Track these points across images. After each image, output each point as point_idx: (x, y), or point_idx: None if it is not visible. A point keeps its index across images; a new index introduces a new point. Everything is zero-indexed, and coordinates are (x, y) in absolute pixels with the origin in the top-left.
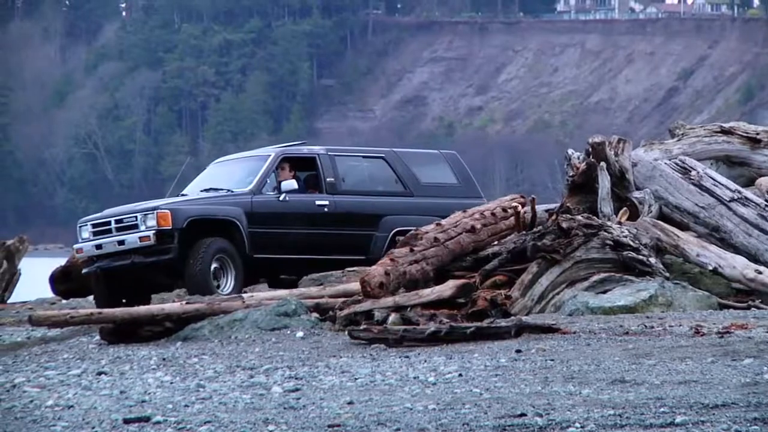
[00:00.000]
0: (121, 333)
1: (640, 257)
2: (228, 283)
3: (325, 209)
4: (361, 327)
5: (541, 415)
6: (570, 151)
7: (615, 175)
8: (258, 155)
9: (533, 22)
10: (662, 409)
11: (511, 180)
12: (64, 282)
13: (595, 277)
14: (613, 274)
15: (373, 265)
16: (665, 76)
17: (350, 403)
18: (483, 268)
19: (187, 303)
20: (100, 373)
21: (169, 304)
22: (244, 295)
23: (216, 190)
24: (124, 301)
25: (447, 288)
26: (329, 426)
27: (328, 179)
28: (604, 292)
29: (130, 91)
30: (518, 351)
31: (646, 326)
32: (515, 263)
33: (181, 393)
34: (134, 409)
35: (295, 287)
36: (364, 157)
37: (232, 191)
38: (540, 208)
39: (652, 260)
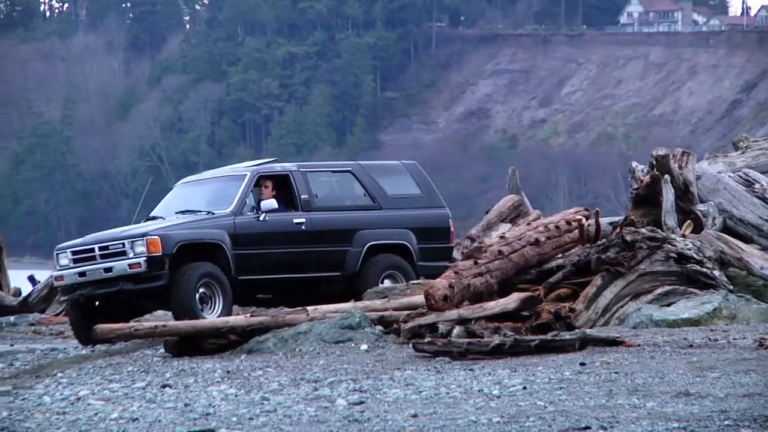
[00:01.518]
0: (186, 346)
1: (704, 270)
2: (217, 307)
3: (303, 227)
4: (426, 340)
5: (605, 428)
6: (634, 163)
7: (679, 187)
8: (232, 175)
9: (596, 35)
10: (726, 422)
11: (575, 193)
12: None
13: (659, 290)
14: (677, 286)
15: (348, 280)
16: (728, 88)
17: (414, 416)
18: (547, 281)
19: (251, 316)
20: (164, 386)
21: (233, 316)
22: (308, 307)
23: (194, 212)
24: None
25: (511, 301)
26: None
27: (302, 196)
28: (668, 304)
29: (194, 104)
30: (582, 364)
31: (710, 339)
32: (579, 276)
33: (246, 406)
34: (198, 421)
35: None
36: (332, 171)
37: (213, 213)
38: (604, 221)
39: (716, 273)
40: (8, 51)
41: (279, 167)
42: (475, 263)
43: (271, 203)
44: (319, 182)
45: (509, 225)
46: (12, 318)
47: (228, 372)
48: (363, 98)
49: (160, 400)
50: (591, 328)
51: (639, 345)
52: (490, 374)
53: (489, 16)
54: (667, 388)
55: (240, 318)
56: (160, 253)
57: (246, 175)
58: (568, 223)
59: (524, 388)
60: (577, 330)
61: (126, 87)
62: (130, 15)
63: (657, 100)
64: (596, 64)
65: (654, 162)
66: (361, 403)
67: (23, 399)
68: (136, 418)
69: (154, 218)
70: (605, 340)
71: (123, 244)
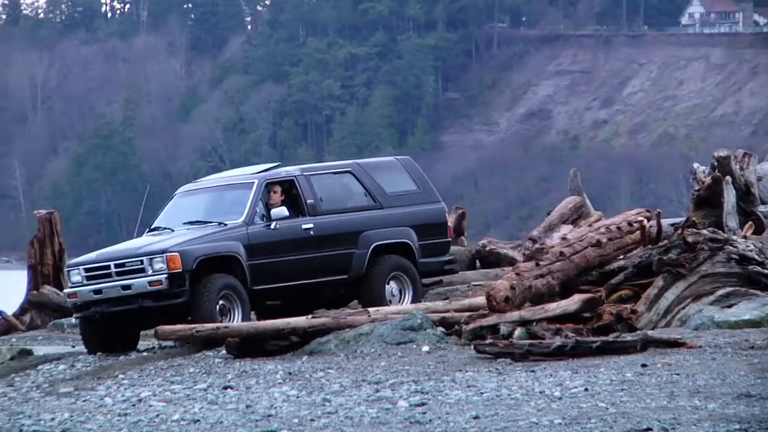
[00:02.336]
0: (247, 347)
1: (766, 271)
2: (235, 319)
3: (311, 232)
4: (487, 341)
5: (666, 430)
6: (695, 165)
7: (740, 189)
8: (239, 183)
9: (658, 36)
10: None
11: (636, 194)
12: None
13: (721, 292)
14: (738, 288)
15: (354, 282)
16: None
17: (476, 417)
18: (608, 282)
19: (313, 317)
20: (226, 388)
21: (294, 318)
22: (370, 309)
23: (204, 223)
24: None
25: (572, 302)
26: None
27: (308, 201)
28: (730, 306)
29: (256, 105)
30: (644, 365)
31: None
32: (641, 277)
33: (307, 407)
34: (260, 423)
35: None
36: (333, 173)
37: (225, 224)
38: (665, 222)
39: None
40: (70, 52)
41: (284, 172)
42: (537, 264)
43: (281, 211)
44: (322, 185)
45: (571, 226)
46: (73, 319)
47: (290, 373)
48: (424, 99)
49: (221, 401)
50: (652, 329)
51: (700, 346)
52: (551, 376)
53: (550, 16)
54: (728, 390)
55: (301, 319)
56: (180, 270)
57: (254, 182)
58: (630, 224)
59: (586, 389)
60: (638, 331)
61: (187, 88)
62: (192, 16)
63: (718, 101)
64: (657, 64)
65: (715, 163)
66: (423, 404)
67: (85, 400)
68: (198, 420)
69: (157, 229)
70: (666, 342)
71: (141, 261)
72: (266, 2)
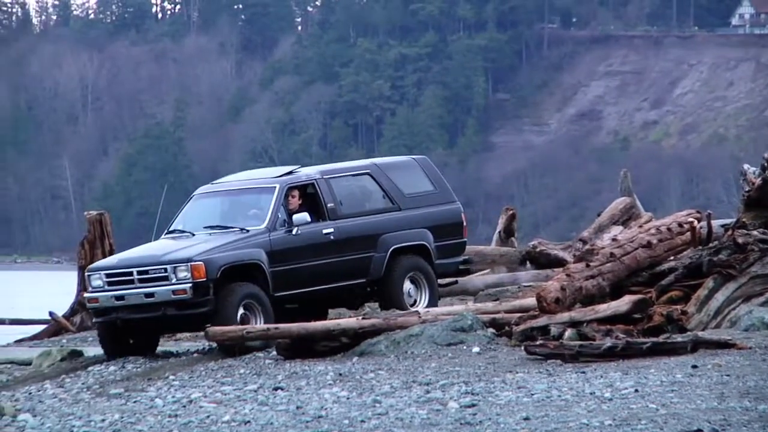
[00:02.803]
0: (298, 348)
1: None
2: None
3: (331, 237)
4: (537, 342)
5: (716, 431)
6: (746, 166)
7: None
8: (261, 186)
9: (708, 36)
10: None
11: (686, 194)
12: None
13: None
14: None
15: (372, 286)
16: None
17: (526, 419)
18: (659, 283)
19: (363, 318)
20: (276, 389)
21: (345, 319)
22: (420, 309)
23: (226, 228)
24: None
25: (623, 303)
26: None
27: (328, 205)
28: None
29: (306, 105)
30: (694, 366)
31: None
32: (691, 278)
33: (358, 408)
34: (311, 424)
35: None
36: (353, 175)
37: (247, 229)
38: (716, 223)
39: None
40: (120, 53)
41: (304, 176)
42: (587, 266)
43: (304, 217)
44: (342, 188)
45: (621, 227)
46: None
47: (340, 374)
48: (474, 100)
49: (272, 402)
50: (702, 330)
51: (751, 347)
52: (601, 377)
53: (601, 17)
54: None
55: (352, 320)
56: (205, 279)
57: (276, 187)
58: (680, 225)
59: (636, 390)
60: (688, 332)
61: (238, 88)
62: (242, 17)
63: None
64: (707, 65)
65: (765, 164)
66: (473, 405)
67: (135, 401)
68: (248, 421)
69: (174, 232)
70: (717, 343)
71: (165, 269)
72: (317, 3)
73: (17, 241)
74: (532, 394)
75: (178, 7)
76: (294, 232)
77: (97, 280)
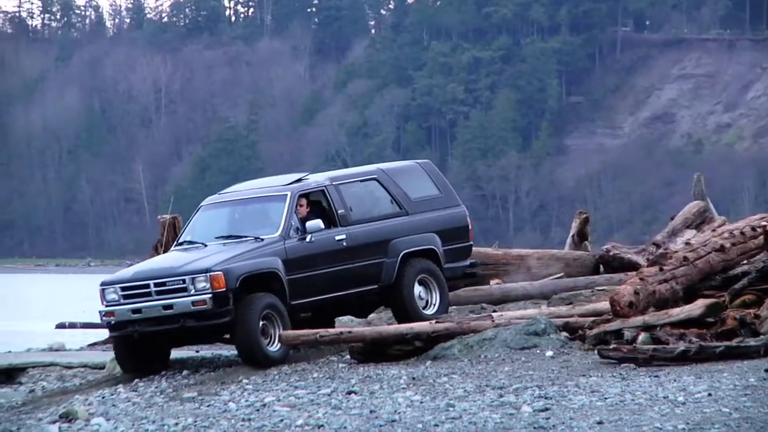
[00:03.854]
0: (371, 352)
1: None
2: (275, 339)
3: (344, 243)
4: (611, 346)
5: None
6: None
7: None
8: (271, 195)
9: None
10: None
11: (760, 198)
12: None
13: None
14: None
15: (384, 292)
16: None
17: (600, 422)
18: (732, 287)
19: (436, 322)
20: (350, 393)
21: (418, 323)
22: (493, 314)
23: (239, 237)
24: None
25: (696, 307)
26: None
27: (339, 211)
28: None
29: (379, 109)
30: (767, 370)
31: None
32: (764, 282)
33: (431, 412)
34: (384, 428)
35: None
36: (360, 181)
37: (261, 238)
38: None
39: None
40: (194, 56)
41: (314, 183)
42: (661, 270)
43: (317, 224)
44: (351, 194)
45: (694, 231)
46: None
47: (413, 378)
48: (548, 103)
49: (345, 406)
50: None
51: None
52: (675, 381)
53: (674, 20)
54: None
55: (425, 324)
56: (224, 289)
57: (287, 194)
58: (753, 229)
59: (709, 394)
60: (762, 336)
61: (311, 92)
62: (316, 20)
63: None
64: None
65: None
66: (547, 410)
67: (209, 405)
68: (322, 425)
69: (187, 243)
70: None
71: (183, 280)
72: (390, 6)
73: (91, 244)
74: (606, 398)
75: (251, 10)
76: (308, 240)
77: (111, 294)
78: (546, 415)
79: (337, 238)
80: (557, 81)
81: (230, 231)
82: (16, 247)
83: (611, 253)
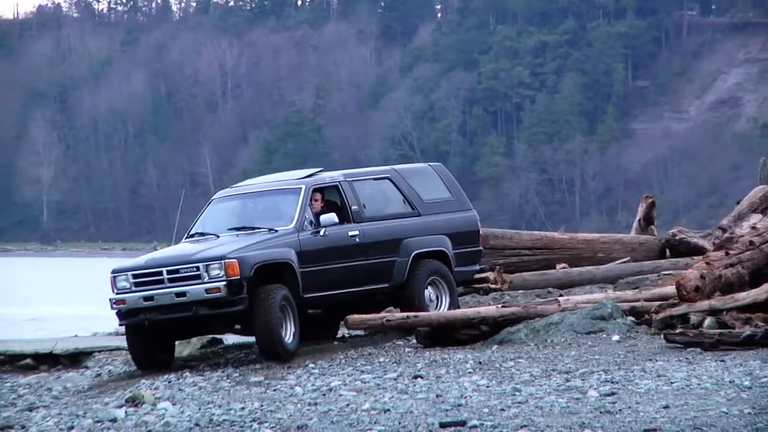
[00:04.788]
0: (437, 336)
1: None
2: (290, 331)
3: (357, 239)
4: (677, 330)
5: None
6: None
7: None
8: (285, 188)
9: None
10: None
11: None
12: None
13: None
14: None
15: (394, 291)
16: None
17: (666, 407)
18: None
19: (503, 306)
20: (416, 377)
21: (485, 307)
22: (560, 298)
23: (253, 229)
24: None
25: (762, 291)
26: (645, 430)
27: (353, 207)
28: None
29: (445, 93)
30: None
31: None
32: None
33: (497, 397)
34: (450, 413)
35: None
36: (374, 179)
37: (275, 230)
38: None
39: None
40: (260, 40)
41: (328, 178)
42: (727, 254)
43: (331, 217)
44: (364, 191)
45: (760, 215)
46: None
47: (479, 363)
48: (614, 87)
49: (411, 391)
50: None
51: None
52: (741, 365)
53: (740, 4)
54: None
55: (492, 309)
56: (239, 277)
57: (302, 187)
58: None
59: None
60: None
61: (377, 75)
62: (382, 4)
63: None
64: None
65: None
66: (613, 394)
67: (275, 390)
68: (388, 409)
69: (198, 235)
70: None
71: (197, 267)
72: None
73: (157, 227)
74: (672, 383)
75: None
76: (321, 233)
77: (123, 282)
78: (612, 400)
79: (351, 233)
80: (623, 65)
81: (243, 223)
82: (82, 231)
83: (677, 238)
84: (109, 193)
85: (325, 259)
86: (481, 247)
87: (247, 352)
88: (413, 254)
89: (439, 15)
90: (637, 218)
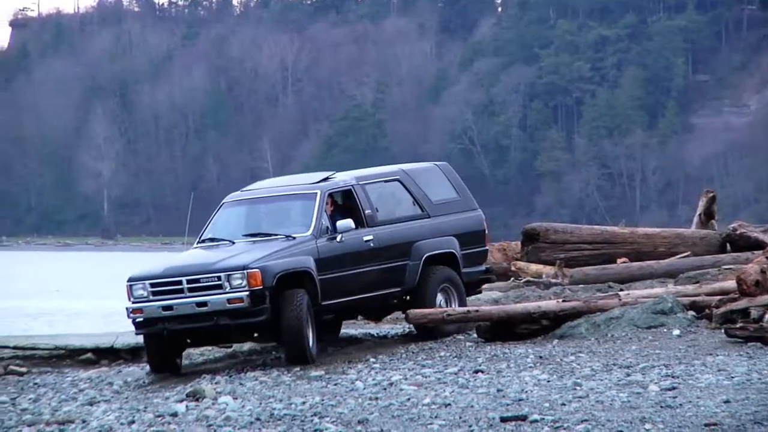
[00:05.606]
0: (498, 330)
1: None
2: (311, 337)
3: (371, 244)
4: (738, 325)
5: None
6: None
7: None
8: (300, 193)
9: None
10: None
11: None
12: None
13: None
14: None
15: (406, 294)
16: None
17: (726, 401)
18: None
19: (564, 301)
20: (477, 371)
21: (545, 301)
22: (620, 292)
23: (267, 235)
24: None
25: None
26: (705, 425)
27: (366, 211)
28: None
29: (506, 87)
30: None
31: None
32: None
33: (558, 391)
34: (511, 407)
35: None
36: (384, 181)
37: (293, 236)
38: None
39: None
40: (321, 34)
41: (341, 182)
42: None
43: (348, 223)
44: (376, 194)
45: None
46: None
47: (540, 357)
48: (674, 81)
49: (472, 385)
50: None
51: None
52: None
53: None
54: None
55: (552, 303)
56: (261, 287)
57: (317, 192)
58: None
59: None
60: None
61: (437, 70)
62: None
63: None
64: None
65: None
66: (674, 388)
67: (336, 384)
68: (449, 404)
69: (207, 241)
70: None
71: (218, 277)
72: None
73: None
74: (733, 377)
75: None
76: (338, 239)
77: (140, 290)
78: (673, 394)
79: (365, 238)
80: (683, 59)
81: (257, 229)
82: (143, 225)
83: (738, 232)
84: (169, 187)
85: (342, 266)
86: (487, 248)
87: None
88: (424, 258)
89: (499, 9)
90: (698, 213)
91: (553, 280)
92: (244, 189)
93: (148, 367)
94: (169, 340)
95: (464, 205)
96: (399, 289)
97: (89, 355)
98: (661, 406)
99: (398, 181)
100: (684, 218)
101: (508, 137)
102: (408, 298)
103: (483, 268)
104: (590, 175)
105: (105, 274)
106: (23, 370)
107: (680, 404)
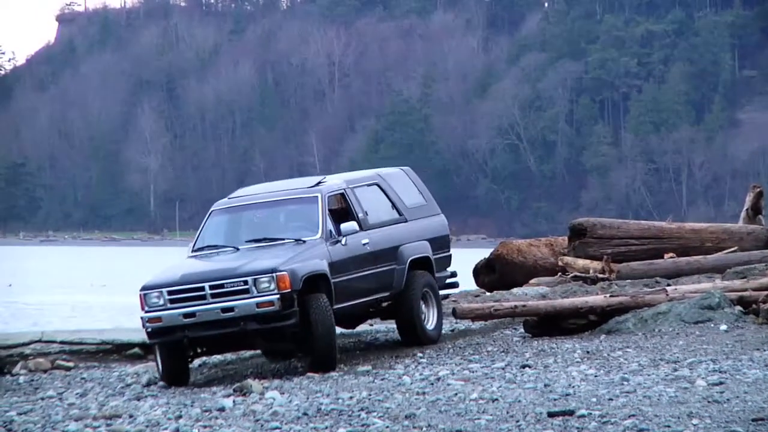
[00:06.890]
0: (545, 326)
1: None
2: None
3: (368, 248)
4: None
5: None
6: None
7: None
8: (299, 197)
9: None
10: None
11: None
12: (488, 274)
13: None
14: None
15: (396, 299)
16: None
17: None
18: None
19: (611, 296)
20: (524, 366)
21: (592, 296)
22: (667, 287)
23: (273, 240)
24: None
25: None
26: (753, 420)
27: (359, 214)
28: None
29: (552, 82)
30: None
31: None
32: None
33: (605, 386)
34: (558, 402)
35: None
36: (367, 185)
37: (303, 240)
38: None
39: None
40: (368, 29)
41: (335, 185)
42: None
43: (352, 226)
44: (364, 198)
45: None
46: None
47: (587, 352)
48: (721, 76)
49: (519, 380)
50: None
51: None
52: None
53: None
54: None
55: (599, 298)
56: (290, 290)
57: (318, 196)
58: None
59: None
60: None
61: (484, 65)
62: None
63: None
64: None
65: None
66: (721, 383)
67: (383, 379)
68: (496, 399)
69: (204, 249)
70: None
71: (245, 281)
72: None
73: None
74: None
75: None
76: (343, 242)
77: (156, 299)
78: (720, 389)
79: (363, 241)
80: (730, 54)
81: (260, 234)
82: (190, 220)
83: None
84: (216, 182)
85: (348, 269)
86: (451, 253)
87: (355, 341)
88: (409, 261)
89: (545, 4)
90: (745, 208)
91: (600, 276)
92: (231, 196)
93: (195, 362)
94: (187, 348)
95: (430, 209)
96: (388, 293)
97: (136, 349)
98: (709, 401)
99: (377, 185)
100: (730, 213)
101: (554, 132)
102: (385, 304)
103: (448, 273)
104: (637, 170)
105: (152, 268)
106: (70, 364)
107: (727, 399)
